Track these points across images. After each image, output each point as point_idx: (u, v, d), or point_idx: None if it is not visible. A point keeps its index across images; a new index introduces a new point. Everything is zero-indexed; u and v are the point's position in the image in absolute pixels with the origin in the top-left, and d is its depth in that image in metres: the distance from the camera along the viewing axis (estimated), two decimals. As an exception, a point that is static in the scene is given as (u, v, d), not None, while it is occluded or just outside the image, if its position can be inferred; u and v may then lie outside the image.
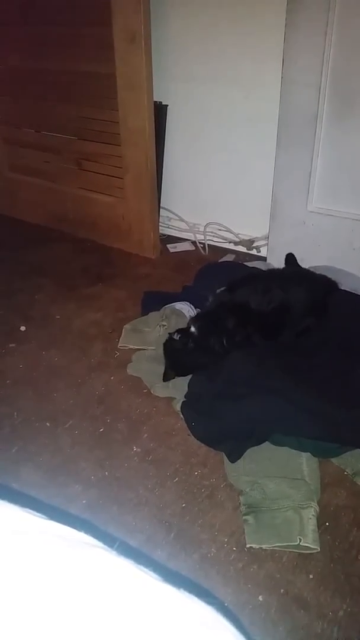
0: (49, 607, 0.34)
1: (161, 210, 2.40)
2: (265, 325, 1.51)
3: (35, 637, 0.32)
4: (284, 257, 1.88)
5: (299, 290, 1.56)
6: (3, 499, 0.45)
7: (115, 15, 1.90)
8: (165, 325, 1.70)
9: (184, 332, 1.52)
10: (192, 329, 1.51)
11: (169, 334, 1.54)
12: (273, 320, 1.52)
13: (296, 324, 1.52)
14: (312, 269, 1.79)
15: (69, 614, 0.34)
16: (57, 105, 2.32)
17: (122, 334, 1.77)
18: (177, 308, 1.77)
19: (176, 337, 1.51)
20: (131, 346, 1.72)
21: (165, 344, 1.55)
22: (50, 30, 2.17)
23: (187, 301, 1.81)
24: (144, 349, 1.69)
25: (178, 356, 1.52)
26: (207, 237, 2.40)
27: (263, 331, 1.51)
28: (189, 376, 1.51)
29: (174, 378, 1.52)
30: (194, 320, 1.55)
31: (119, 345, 1.73)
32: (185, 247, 2.43)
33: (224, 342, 1.50)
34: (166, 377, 1.53)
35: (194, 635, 0.35)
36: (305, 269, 1.81)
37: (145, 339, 1.73)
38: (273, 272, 1.88)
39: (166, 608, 0.36)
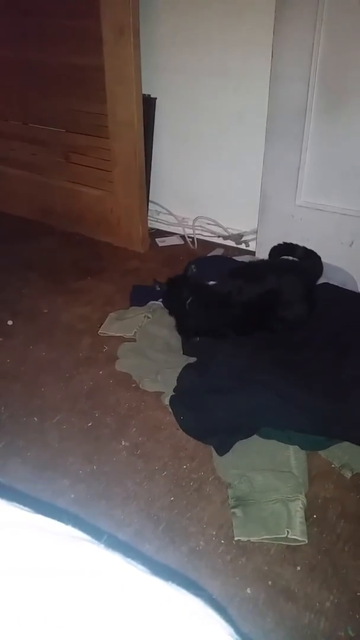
0: (37, 599, 0.34)
1: (150, 204, 2.39)
2: (251, 311, 1.53)
3: (23, 629, 0.32)
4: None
5: (291, 277, 1.58)
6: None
7: (104, 7, 1.87)
8: (149, 317, 1.70)
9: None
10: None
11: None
12: (259, 307, 1.54)
13: (286, 313, 1.53)
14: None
15: (57, 608, 0.34)
16: (45, 97, 2.29)
17: (106, 320, 1.78)
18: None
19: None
20: (110, 333, 1.73)
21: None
22: (39, 21, 2.14)
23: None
24: (127, 342, 1.68)
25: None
26: (196, 231, 2.39)
27: (249, 315, 1.54)
28: (178, 370, 1.50)
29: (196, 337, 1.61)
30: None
31: (99, 332, 1.74)
32: (174, 241, 2.42)
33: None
34: (186, 343, 1.63)
35: (183, 628, 0.35)
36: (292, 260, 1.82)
37: (125, 325, 1.73)
38: (265, 262, 1.90)
39: (155, 600, 0.36)
